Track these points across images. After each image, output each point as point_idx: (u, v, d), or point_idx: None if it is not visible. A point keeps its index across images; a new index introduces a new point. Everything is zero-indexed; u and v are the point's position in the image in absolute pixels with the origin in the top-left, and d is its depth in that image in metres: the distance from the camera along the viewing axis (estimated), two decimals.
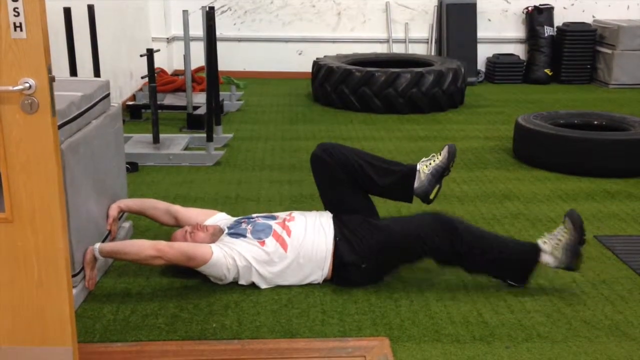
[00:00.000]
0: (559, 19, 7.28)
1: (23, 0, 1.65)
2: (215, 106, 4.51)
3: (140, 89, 6.04)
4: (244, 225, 2.71)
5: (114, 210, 2.79)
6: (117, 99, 5.34)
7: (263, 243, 2.60)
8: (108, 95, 2.87)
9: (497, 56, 7.26)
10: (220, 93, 5.19)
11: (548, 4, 7.22)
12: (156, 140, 4.38)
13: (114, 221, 2.79)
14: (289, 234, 2.64)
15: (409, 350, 2.21)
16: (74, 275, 2.39)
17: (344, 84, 5.76)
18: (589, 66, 7.16)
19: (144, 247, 2.50)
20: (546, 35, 7.17)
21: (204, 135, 4.32)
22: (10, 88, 1.71)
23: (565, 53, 7.10)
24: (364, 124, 5.35)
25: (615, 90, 6.83)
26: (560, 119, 4.48)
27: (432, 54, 7.32)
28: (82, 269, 2.48)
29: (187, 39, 5.01)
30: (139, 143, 4.45)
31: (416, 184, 2.73)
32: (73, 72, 4.13)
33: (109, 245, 2.54)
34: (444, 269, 2.72)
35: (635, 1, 7.36)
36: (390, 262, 2.66)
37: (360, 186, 2.77)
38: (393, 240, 2.59)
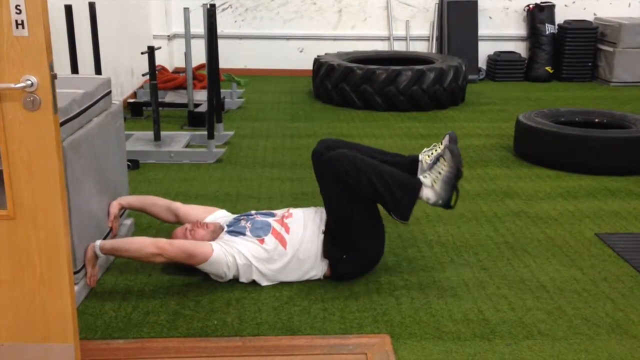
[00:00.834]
0: (560, 17, 7.27)
1: None
2: (216, 104, 4.51)
3: (142, 87, 6.03)
4: (242, 223, 2.71)
5: (115, 208, 2.79)
6: (119, 96, 5.34)
7: (262, 241, 2.60)
8: (109, 92, 2.87)
9: (498, 54, 7.26)
10: (221, 90, 5.18)
11: (549, 2, 7.21)
12: (157, 137, 4.38)
13: (115, 218, 2.79)
14: (287, 231, 2.64)
15: (410, 348, 2.21)
16: (75, 272, 2.39)
17: (345, 81, 5.76)
18: (590, 64, 7.15)
19: (145, 245, 2.50)
20: (547, 32, 7.16)
21: (205, 132, 4.32)
22: (12, 85, 1.71)
23: (566, 51, 7.09)
24: (365, 122, 5.35)
25: (616, 88, 6.82)
26: (561, 117, 4.48)
27: (433, 51, 7.31)
28: (84, 266, 2.49)
29: (188, 36, 5.01)
30: (140, 140, 4.46)
31: (429, 196, 2.62)
32: (74, 69, 4.13)
33: (110, 243, 2.55)
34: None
35: None
36: (363, 240, 2.64)
37: None
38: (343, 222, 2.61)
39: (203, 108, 5.09)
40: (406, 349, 2.21)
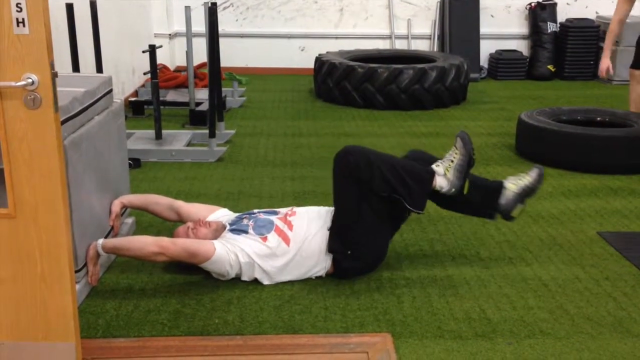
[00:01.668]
0: (562, 15, 7.26)
1: None
2: (217, 102, 4.51)
3: (143, 85, 6.04)
4: (245, 221, 2.71)
5: (116, 206, 2.79)
6: (120, 95, 5.34)
7: (265, 239, 2.60)
8: (110, 91, 2.87)
9: (500, 52, 7.25)
10: (223, 89, 5.19)
11: (551, 0, 7.20)
12: (159, 136, 4.38)
13: (117, 217, 2.79)
14: (290, 228, 2.64)
15: (412, 347, 2.21)
16: (77, 271, 2.39)
17: (347, 80, 5.76)
18: (592, 62, 7.14)
19: (147, 244, 2.50)
20: (549, 31, 7.15)
21: (207, 131, 4.32)
22: (13, 84, 1.71)
23: (568, 49, 7.08)
24: (367, 120, 5.34)
25: (618, 87, 6.81)
26: (563, 115, 4.47)
27: (435, 50, 7.30)
28: (85, 264, 2.49)
29: (189, 35, 5.00)
30: (141, 139, 4.46)
31: (441, 185, 2.64)
32: (75, 68, 4.13)
33: (112, 241, 2.55)
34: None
35: None
36: (368, 237, 2.64)
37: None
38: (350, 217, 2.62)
39: (204, 107, 5.09)
40: (407, 347, 2.21)
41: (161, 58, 5.84)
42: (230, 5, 7.29)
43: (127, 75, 5.76)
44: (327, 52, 6.51)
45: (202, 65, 6.40)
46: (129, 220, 3.05)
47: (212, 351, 2.18)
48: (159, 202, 2.90)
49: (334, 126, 5.14)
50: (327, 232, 2.64)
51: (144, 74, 4.86)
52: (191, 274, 2.65)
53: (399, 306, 2.47)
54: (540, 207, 3.47)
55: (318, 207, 2.81)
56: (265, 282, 2.61)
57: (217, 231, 2.70)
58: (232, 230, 2.67)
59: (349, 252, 2.62)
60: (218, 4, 6.82)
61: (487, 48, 7.30)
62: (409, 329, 2.31)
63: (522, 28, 7.43)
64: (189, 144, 4.49)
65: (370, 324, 2.34)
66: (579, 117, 4.48)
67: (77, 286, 2.39)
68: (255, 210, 2.85)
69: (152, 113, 4.67)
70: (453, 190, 2.63)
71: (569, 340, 2.26)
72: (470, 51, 6.93)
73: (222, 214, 2.89)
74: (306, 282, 2.63)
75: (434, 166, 2.66)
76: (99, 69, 4.45)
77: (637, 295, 2.57)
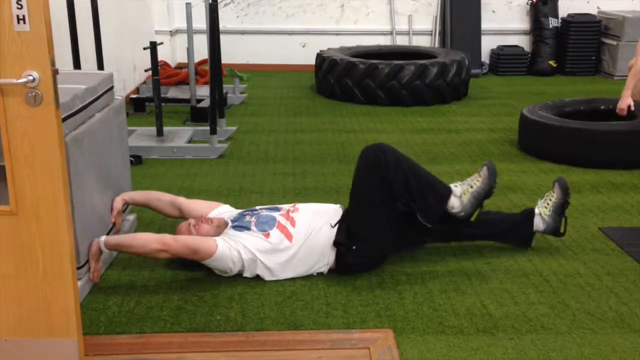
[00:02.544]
0: (563, 10, 7.24)
1: None
2: (218, 99, 4.51)
3: (144, 82, 6.04)
4: (247, 218, 2.71)
5: (118, 203, 2.80)
6: (121, 91, 5.34)
7: (268, 235, 2.60)
8: (111, 88, 2.87)
9: (502, 48, 7.23)
10: (224, 86, 5.19)
11: None
12: (160, 133, 4.38)
13: (119, 213, 2.79)
14: (293, 224, 2.64)
15: (413, 342, 2.21)
16: (79, 268, 2.40)
17: (348, 76, 5.75)
18: (593, 57, 7.13)
19: (149, 241, 2.50)
20: (551, 26, 7.13)
21: (208, 128, 4.32)
22: (14, 81, 1.71)
23: (570, 44, 7.07)
24: (368, 117, 5.34)
25: (620, 82, 6.75)
26: (566, 107, 4.45)
27: (436, 45, 7.29)
28: (87, 261, 2.49)
29: (190, 31, 5.00)
30: (142, 136, 4.46)
31: (454, 204, 2.66)
32: (76, 64, 4.13)
33: (115, 238, 2.55)
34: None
35: None
36: (375, 234, 2.64)
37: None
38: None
39: (205, 103, 5.09)
40: (409, 343, 2.21)
41: (162, 55, 5.83)
42: (231, 1, 7.28)
43: (128, 72, 5.76)
44: (328, 49, 6.50)
45: (203, 62, 6.39)
46: (131, 217, 3.05)
47: (214, 347, 2.18)
48: (161, 198, 2.90)
49: (335, 122, 5.13)
50: (330, 229, 2.65)
51: (145, 70, 4.86)
52: (193, 270, 2.66)
53: (401, 302, 2.47)
54: None
55: (321, 204, 2.82)
56: (267, 278, 2.61)
57: (219, 227, 2.71)
58: (234, 227, 2.67)
59: (354, 247, 2.62)
60: (219, 1, 6.81)
61: (488, 44, 7.29)
62: (411, 325, 2.31)
63: (524, 23, 7.41)
64: (190, 141, 4.49)
65: (372, 320, 2.34)
66: (582, 108, 4.46)
67: (79, 283, 2.39)
68: (258, 207, 2.85)
69: (153, 110, 4.67)
70: (462, 214, 2.66)
71: (570, 336, 2.26)
72: (471, 47, 6.92)
73: (224, 211, 2.90)
74: (308, 278, 2.63)
75: (452, 185, 2.69)
76: (100, 65, 4.45)
77: (638, 290, 2.57)
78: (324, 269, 2.66)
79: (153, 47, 4.37)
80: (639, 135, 3.97)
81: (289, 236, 2.61)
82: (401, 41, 7.34)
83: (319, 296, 2.50)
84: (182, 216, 2.87)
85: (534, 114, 4.26)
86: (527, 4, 7.33)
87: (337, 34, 7.31)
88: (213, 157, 4.21)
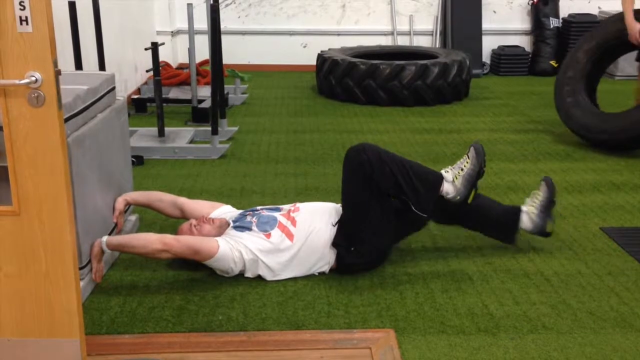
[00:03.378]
0: (564, 10, 7.25)
1: None
2: (220, 99, 4.52)
3: (145, 83, 6.04)
4: (249, 218, 2.71)
5: (120, 203, 2.80)
6: (122, 92, 5.35)
7: (269, 235, 2.61)
8: (113, 88, 2.87)
9: (502, 48, 7.23)
10: (225, 86, 5.19)
11: None
12: (161, 133, 4.39)
13: (120, 214, 2.80)
14: (294, 224, 2.65)
15: (415, 342, 2.22)
16: (81, 268, 2.40)
17: (349, 76, 5.76)
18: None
19: (151, 241, 2.51)
20: (552, 26, 7.14)
21: (209, 128, 4.32)
22: (17, 82, 1.71)
23: (571, 44, 7.04)
24: (369, 117, 5.34)
25: (621, 82, 6.79)
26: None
27: (437, 46, 7.30)
28: (89, 261, 2.50)
29: (191, 32, 5.01)
30: (144, 136, 4.46)
31: (447, 191, 2.67)
32: (78, 65, 4.13)
33: (117, 239, 2.56)
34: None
35: None
36: (373, 235, 2.64)
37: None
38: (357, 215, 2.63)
39: (207, 104, 5.10)
40: (410, 343, 2.21)
41: (163, 55, 5.85)
42: (232, 2, 7.28)
43: (130, 72, 5.77)
44: (329, 49, 6.50)
45: (204, 63, 6.40)
46: (133, 218, 3.06)
47: (215, 347, 2.19)
48: (163, 199, 2.91)
49: (336, 123, 5.14)
50: (331, 228, 2.65)
51: (147, 71, 4.87)
52: (195, 270, 2.66)
53: (402, 302, 2.47)
54: None
55: (322, 203, 2.82)
56: (269, 278, 2.61)
57: (221, 228, 2.71)
58: (235, 227, 2.68)
59: (352, 248, 2.63)
60: (220, 1, 6.82)
61: (489, 44, 7.29)
62: (412, 325, 2.32)
63: (525, 24, 7.42)
64: (191, 141, 4.49)
65: (374, 320, 2.35)
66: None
67: (82, 283, 2.40)
68: (259, 207, 2.85)
69: (154, 110, 4.68)
70: (458, 197, 2.65)
71: (571, 335, 2.26)
72: (472, 47, 6.92)
73: (226, 211, 2.90)
74: (309, 278, 2.64)
75: (443, 171, 2.69)
76: (102, 66, 4.45)
77: (639, 290, 2.58)
78: (325, 268, 2.66)
79: (154, 47, 4.38)
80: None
81: (290, 236, 2.62)
82: (402, 41, 7.34)
83: (321, 296, 2.51)
84: (184, 216, 2.88)
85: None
86: (528, 4, 7.33)
87: (338, 35, 7.32)
88: (214, 158, 4.21)
